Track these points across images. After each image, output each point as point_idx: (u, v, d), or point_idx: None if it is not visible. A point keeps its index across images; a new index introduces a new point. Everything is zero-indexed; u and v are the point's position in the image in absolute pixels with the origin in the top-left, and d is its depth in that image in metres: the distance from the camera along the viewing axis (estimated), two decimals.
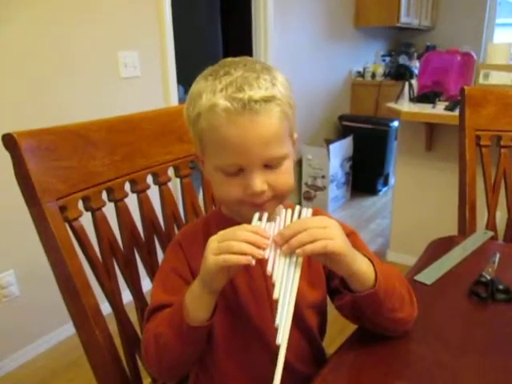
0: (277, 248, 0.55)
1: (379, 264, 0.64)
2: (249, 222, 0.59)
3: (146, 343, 0.65)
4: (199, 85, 0.61)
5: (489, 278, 0.79)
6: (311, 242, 0.54)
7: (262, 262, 0.61)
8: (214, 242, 0.56)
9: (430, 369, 0.62)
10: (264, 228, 0.58)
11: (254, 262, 0.53)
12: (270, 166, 0.61)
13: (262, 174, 0.60)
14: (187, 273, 0.67)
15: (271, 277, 0.53)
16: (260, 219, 0.60)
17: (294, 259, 0.55)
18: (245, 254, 0.53)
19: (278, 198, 0.64)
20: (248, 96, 0.56)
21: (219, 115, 0.57)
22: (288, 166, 0.63)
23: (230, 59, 0.63)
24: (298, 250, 0.54)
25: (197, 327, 0.59)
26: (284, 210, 0.61)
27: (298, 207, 0.62)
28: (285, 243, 0.55)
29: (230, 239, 0.55)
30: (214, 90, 0.58)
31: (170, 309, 0.63)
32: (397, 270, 0.69)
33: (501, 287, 0.77)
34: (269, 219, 0.60)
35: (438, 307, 0.76)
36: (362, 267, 0.60)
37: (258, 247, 0.54)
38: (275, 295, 0.52)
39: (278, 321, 0.51)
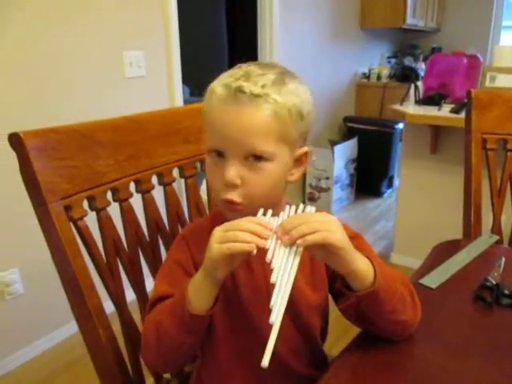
0: (278, 240, 0.56)
1: (381, 266, 0.64)
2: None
3: (146, 331, 0.66)
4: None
5: (494, 282, 0.79)
6: (311, 233, 0.55)
7: (263, 260, 0.62)
8: (218, 231, 0.57)
9: (434, 373, 0.61)
10: (268, 221, 0.59)
11: (255, 251, 0.54)
12: (250, 161, 0.61)
13: (240, 167, 0.61)
14: (191, 266, 0.68)
15: (270, 263, 0.54)
16: (264, 214, 0.61)
17: (294, 248, 0.56)
18: (248, 242, 0.54)
19: (252, 203, 0.62)
20: (237, 86, 0.59)
21: (212, 99, 0.62)
22: (270, 170, 0.62)
23: (263, 61, 0.66)
24: (299, 241, 0.55)
25: (198, 316, 0.60)
26: (288, 207, 0.62)
27: (301, 205, 0.62)
28: (285, 234, 0.56)
29: (234, 229, 0.56)
30: (219, 78, 0.63)
31: (171, 298, 0.64)
32: (400, 273, 0.69)
33: (506, 292, 0.76)
34: (273, 215, 0.61)
35: (442, 311, 0.76)
36: (361, 265, 0.60)
37: (261, 237, 0.55)
38: (272, 278, 0.53)
39: (272, 302, 0.51)
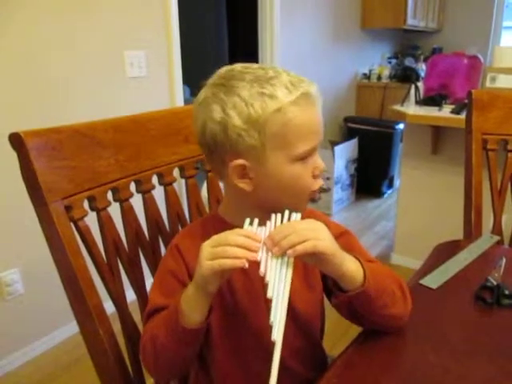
0: (268, 250, 0.57)
1: (369, 263, 0.66)
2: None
3: (144, 344, 0.67)
4: (249, 89, 0.61)
5: (495, 283, 0.79)
6: (301, 242, 0.56)
7: (259, 264, 0.61)
8: (206, 247, 0.57)
9: (435, 373, 0.61)
10: (255, 232, 0.59)
11: (247, 265, 0.55)
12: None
13: None
14: (185, 275, 0.68)
15: (264, 277, 0.55)
16: (251, 224, 0.61)
17: (286, 259, 0.56)
18: (238, 257, 0.55)
19: None
20: (309, 88, 0.63)
21: (302, 105, 0.62)
22: None
23: (245, 64, 0.66)
24: (289, 251, 0.55)
25: (191, 329, 0.60)
26: (274, 215, 0.62)
27: (286, 212, 0.63)
28: (275, 245, 0.56)
29: (222, 244, 0.56)
30: (286, 87, 0.62)
31: (166, 311, 0.64)
32: (388, 268, 0.71)
33: (507, 292, 0.76)
34: (259, 224, 0.61)
35: (443, 312, 0.76)
36: (351, 267, 0.61)
37: (251, 250, 0.55)
38: (269, 294, 0.53)
39: (272, 318, 0.52)
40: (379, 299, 0.63)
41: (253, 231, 0.59)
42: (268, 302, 0.66)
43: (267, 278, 0.54)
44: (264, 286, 0.68)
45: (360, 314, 0.65)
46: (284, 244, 0.56)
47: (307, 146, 0.64)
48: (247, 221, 0.61)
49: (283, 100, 0.60)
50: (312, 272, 0.72)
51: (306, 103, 0.62)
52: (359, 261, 0.63)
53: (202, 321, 0.61)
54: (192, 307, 0.60)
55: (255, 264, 0.55)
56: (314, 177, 0.66)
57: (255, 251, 0.56)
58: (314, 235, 0.57)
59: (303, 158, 0.64)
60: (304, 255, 0.57)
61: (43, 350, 1.85)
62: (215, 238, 0.58)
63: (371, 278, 0.62)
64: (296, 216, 0.62)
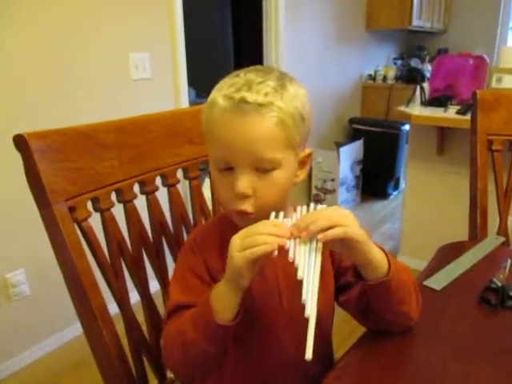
0: (295, 239, 0.57)
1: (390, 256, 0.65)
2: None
3: (169, 342, 0.65)
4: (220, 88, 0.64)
5: (499, 284, 0.78)
6: (330, 227, 0.55)
7: (275, 265, 0.60)
8: (236, 239, 0.57)
9: (439, 377, 0.61)
10: (282, 222, 0.59)
11: (276, 252, 0.54)
12: (260, 170, 0.61)
13: (250, 177, 0.61)
14: (204, 272, 0.68)
15: (293, 262, 0.54)
16: (276, 217, 0.61)
17: (314, 245, 0.56)
18: (268, 243, 0.55)
19: (263, 212, 0.62)
20: (241, 97, 0.59)
21: (214, 111, 0.62)
22: (280, 177, 0.62)
23: (257, 66, 0.65)
24: (320, 235, 0.55)
25: (224, 326, 0.60)
26: (299, 207, 0.62)
27: (312, 204, 0.62)
28: (303, 230, 0.56)
29: (252, 234, 0.56)
30: (219, 88, 0.62)
31: (194, 308, 0.64)
32: (406, 265, 0.70)
33: (511, 294, 0.76)
34: (285, 217, 0.61)
35: (447, 313, 0.75)
36: (377, 256, 0.61)
37: (280, 237, 0.56)
38: (299, 274, 0.53)
39: (304, 296, 0.52)
40: (398, 293, 0.63)
41: (280, 221, 0.59)
42: (283, 306, 0.68)
43: (296, 262, 0.54)
44: (280, 289, 0.69)
45: (373, 308, 0.65)
46: (312, 228, 0.55)
47: (213, 153, 0.63)
48: (273, 213, 0.61)
49: (207, 101, 0.63)
50: (326, 271, 0.71)
51: (227, 111, 0.59)
52: (383, 251, 0.63)
53: (232, 318, 0.60)
54: (224, 304, 0.60)
55: (271, 263, 0.55)
56: (235, 195, 0.61)
57: (284, 237, 0.56)
58: (343, 221, 0.56)
59: (215, 165, 0.63)
60: (333, 241, 0.56)
61: (49, 351, 1.86)
62: (244, 230, 0.58)
63: (395, 270, 0.62)
64: (321, 207, 0.62)
